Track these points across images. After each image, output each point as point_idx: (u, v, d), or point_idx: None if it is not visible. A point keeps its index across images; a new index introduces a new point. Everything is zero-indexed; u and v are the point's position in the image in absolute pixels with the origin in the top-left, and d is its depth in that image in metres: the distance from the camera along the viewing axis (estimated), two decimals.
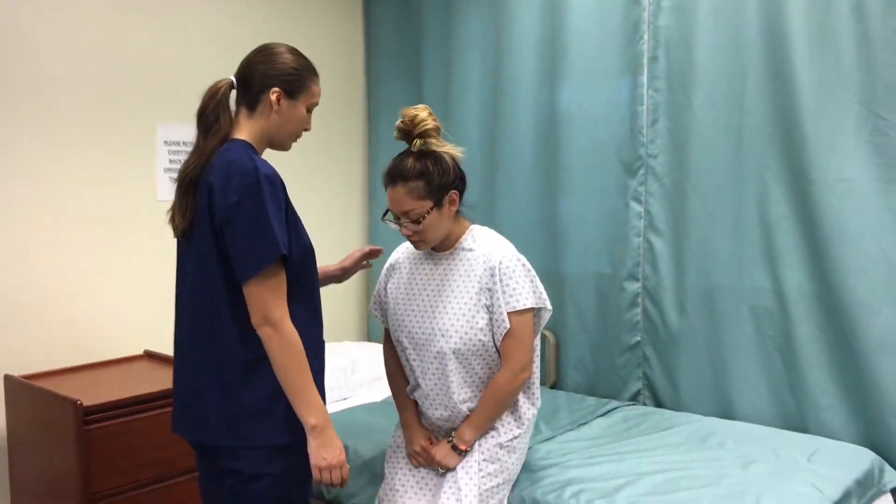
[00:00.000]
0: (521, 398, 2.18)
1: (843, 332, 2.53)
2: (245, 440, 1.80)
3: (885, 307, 2.44)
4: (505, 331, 2.06)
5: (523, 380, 2.11)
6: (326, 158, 3.65)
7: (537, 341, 2.18)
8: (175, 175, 3.01)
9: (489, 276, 2.08)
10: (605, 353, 3.11)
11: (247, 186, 1.72)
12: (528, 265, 2.12)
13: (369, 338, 3.91)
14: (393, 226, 2.12)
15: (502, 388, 2.09)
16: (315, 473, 1.82)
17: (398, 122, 2.11)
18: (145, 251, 3.02)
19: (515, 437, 2.15)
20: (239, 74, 1.90)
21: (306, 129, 1.96)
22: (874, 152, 2.46)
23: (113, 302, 2.94)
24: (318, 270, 2.04)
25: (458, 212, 2.15)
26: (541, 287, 2.12)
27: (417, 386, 2.20)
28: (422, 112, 2.10)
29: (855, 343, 2.50)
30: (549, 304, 2.13)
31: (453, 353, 2.08)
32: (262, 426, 1.80)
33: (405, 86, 3.74)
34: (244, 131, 1.88)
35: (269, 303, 1.73)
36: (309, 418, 1.76)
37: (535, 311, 2.12)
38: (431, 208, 2.05)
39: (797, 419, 2.66)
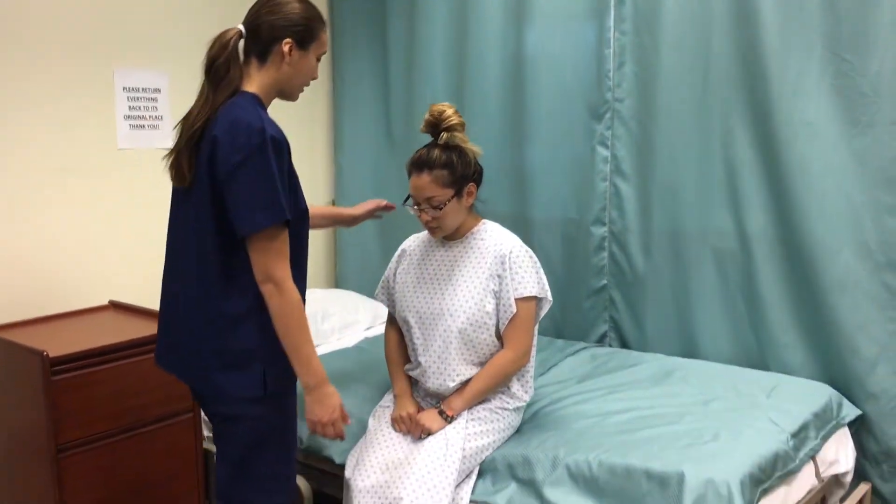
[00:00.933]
0: (516, 384, 2.28)
1: (803, 273, 2.59)
2: (221, 390, 1.84)
3: (845, 248, 2.49)
4: (511, 315, 2.20)
5: (522, 365, 2.25)
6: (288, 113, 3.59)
7: (535, 336, 2.31)
8: (136, 122, 2.99)
9: (499, 263, 2.23)
10: (573, 297, 3.15)
11: (253, 147, 1.73)
12: (535, 257, 2.29)
13: (337, 285, 3.91)
14: (413, 211, 2.28)
15: (501, 367, 2.22)
16: (310, 427, 1.90)
17: (426, 116, 2.25)
18: (107, 200, 2.97)
19: (506, 409, 2.26)
20: (247, 24, 1.87)
21: (314, 79, 1.97)
22: (837, 95, 2.48)
23: (76, 252, 2.90)
24: (330, 213, 2.30)
25: (472, 205, 2.31)
26: (545, 279, 2.28)
27: (418, 364, 2.29)
28: (448, 109, 2.23)
29: (815, 283, 2.55)
30: (550, 296, 2.27)
31: (459, 332, 2.21)
32: (238, 379, 1.83)
33: (369, 32, 3.67)
34: (254, 83, 1.88)
35: (271, 262, 1.77)
36: (304, 377, 1.83)
37: (538, 301, 2.25)
38: (452, 197, 2.22)
39: (758, 357, 2.73)
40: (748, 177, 2.68)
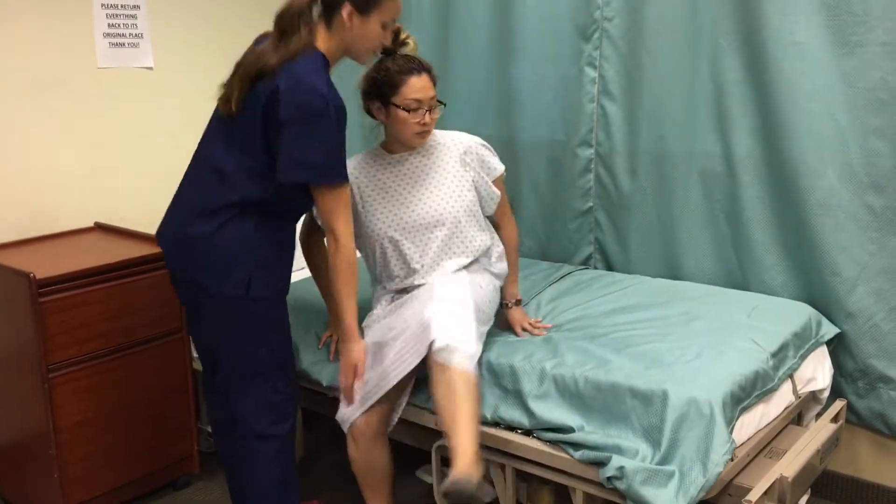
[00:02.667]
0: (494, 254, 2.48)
1: (787, 194, 2.60)
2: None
3: (829, 170, 2.50)
4: (496, 197, 2.43)
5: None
6: None
7: None
8: (115, 40, 2.92)
9: (465, 156, 2.37)
10: (558, 219, 3.16)
11: (314, 109, 1.90)
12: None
13: None
14: (414, 117, 2.26)
15: (517, 242, 2.56)
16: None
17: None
18: (88, 120, 2.92)
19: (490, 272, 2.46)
20: None
21: (384, 44, 2.12)
22: (828, 14, 2.44)
23: (59, 173, 2.86)
24: None
25: None
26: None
27: (410, 273, 2.33)
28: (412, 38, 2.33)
29: (798, 204, 2.57)
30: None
31: (455, 230, 2.33)
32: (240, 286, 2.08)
33: None
34: (322, 44, 2.01)
35: (333, 214, 2.02)
36: (337, 328, 2.32)
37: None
38: None
39: (741, 279, 2.77)
40: (736, 98, 2.66)
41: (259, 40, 2.11)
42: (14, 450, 2.56)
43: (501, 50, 3.15)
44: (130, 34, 3.00)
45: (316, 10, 2.00)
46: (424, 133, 2.31)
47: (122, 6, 2.95)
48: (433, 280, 2.30)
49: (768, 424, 2.21)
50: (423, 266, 2.32)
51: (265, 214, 2.07)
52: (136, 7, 3.00)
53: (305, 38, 1.96)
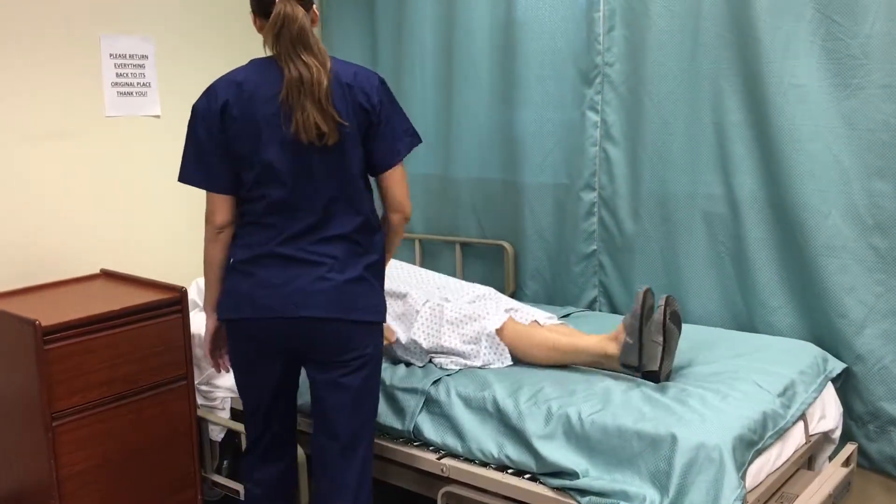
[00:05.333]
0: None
1: (792, 236, 2.60)
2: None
3: (834, 211, 2.50)
4: None
5: None
6: None
7: None
8: (124, 89, 2.97)
9: None
10: (562, 263, 3.16)
11: (385, 87, 2.07)
12: None
13: None
14: None
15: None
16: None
17: None
18: (96, 168, 2.95)
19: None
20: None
21: None
22: (827, 58, 2.47)
23: (66, 221, 2.89)
24: None
25: None
26: None
27: None
28: None
29: (804, 246, 2.57)
30: None
31: None
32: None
33: None
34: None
35: (406, 191, 2.14)
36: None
37: None
38: None
39: (747, 321, 2.75)
40: (738, 140, 2.68)
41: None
42: (17, 499, 2.53)
43: (504, 95, 3.19)
44: (138, 83, 3.04)
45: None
46: None
47: (130, 56, 3.00)
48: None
49: (781, 467, 2.18)
50: None
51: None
52: (145, 57, 3.05)
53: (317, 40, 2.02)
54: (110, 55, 2.95)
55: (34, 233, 2.81)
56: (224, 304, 2.09)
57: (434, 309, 2.60)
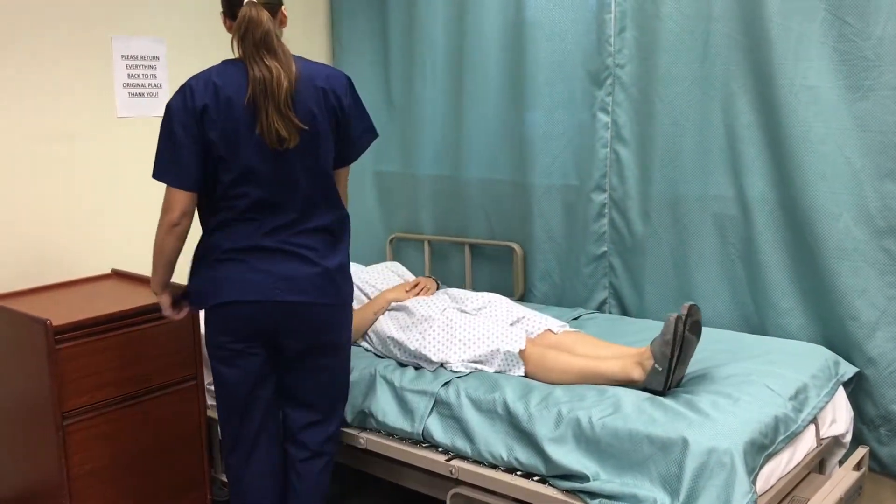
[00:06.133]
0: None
1: (803, 238, 2.59)
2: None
3: (845, 213, 2.49)
4: None
5: None
6: None
7: None
8: (135, 91, 2.98)
9: None
10: (572, 264, 3.15)
11: (352, 86, 2.19)
12: None
13: None
14: None
15: None
16: None
17: None
18: (107, 169, 2.96)
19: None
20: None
21: None
22: (839, 59, 2.46)
23: (77, 221, 2.90)
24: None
25: None
26: None
27: None
28: None
29: (815, 248, 2.56)
30: None
31: None
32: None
33: None
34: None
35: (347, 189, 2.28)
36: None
37: None
38: None
39: (757, 323, 2.74)
40: (749, 142, 2.67)
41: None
42: (27, 498, 2.54)
43: (514, 96, 3.19)
44: (150, 84, 3.05)
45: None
46: None
47: (141, 57, 3.01)
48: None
49: (791, 471, 2.17)
50: None
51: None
52: (156, 58, 3.06)
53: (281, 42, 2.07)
54: (122, 56, 2.96)
55: (46, 232, 2.82)
56: (211, 290, 2.15)
57: (448, 323, 2.58)
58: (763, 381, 2.24)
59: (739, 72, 2.66)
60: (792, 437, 2.14)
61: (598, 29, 2.94)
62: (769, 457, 2.04)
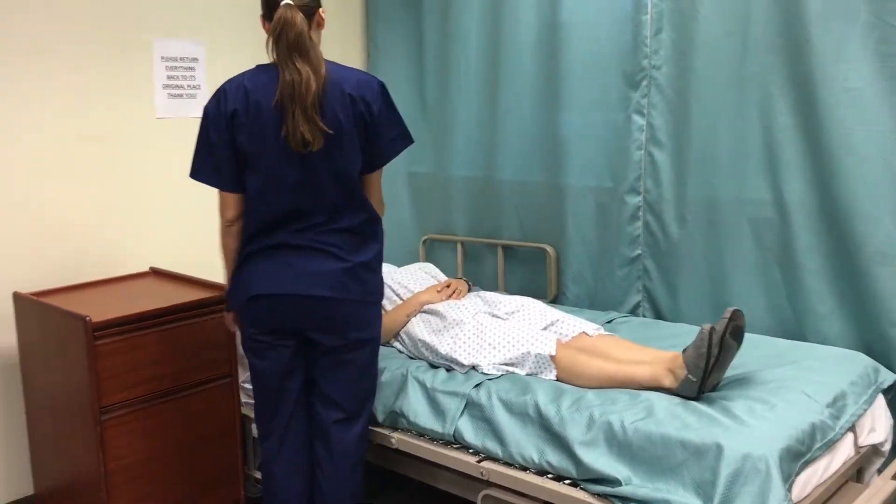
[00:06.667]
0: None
1: (842, 242, 2.55)
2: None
3: (886, 217, 2.45)
4: None
5: None
6: None
7: None
8: (174, 92, 3.02)
9: None
10: (605, 267, 3.14)
11: (384, 92, 2.18)
12: None
13: None
14: None
15: None
16: None
17: None
18: (146, 169, 3.01)
19: None
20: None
21: None
22: (881, 61, 2.42)
23: (117, 219, 2.95)
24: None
25: None
26: None
27: None
28: None
29: (854, 253, 2.52)
30: None
31: None
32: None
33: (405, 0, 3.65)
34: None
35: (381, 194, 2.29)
36: None
37: None
38: None
39: (795, 328, 2.70)
40: (787, 144, 2.64)
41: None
42: (66, 491, 2.59)
43: (549, 97, 3.18)
44: (189, 85, 3.10)
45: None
46: None
47: (181, 59, 3.05)
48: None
49: (829, 479, 2.13)
50: None
51: None
52: (195, 59, 3.10)
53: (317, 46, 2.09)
54: (162, 58, 3.01)
55: (87, 231, 2.87)
56: (242, 289, 2.20)
57: (478, 327, 2.58)
58: (800, 388, 2.21)
59: (778, 73, 2.62)
60: (829, 445, 2.11)
61: (634, 30, 2.92)
62: (806, 464, 2.01)
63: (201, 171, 2.16)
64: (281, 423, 2.29)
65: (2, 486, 2.74)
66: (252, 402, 2.76)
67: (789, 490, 1.91)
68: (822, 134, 2.53)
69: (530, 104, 3.23)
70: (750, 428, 2.00)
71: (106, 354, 2.36)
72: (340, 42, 3.70)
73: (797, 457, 1.98)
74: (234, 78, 2.11)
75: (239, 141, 2.08)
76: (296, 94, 2.00)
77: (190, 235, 3.14)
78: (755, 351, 2.52)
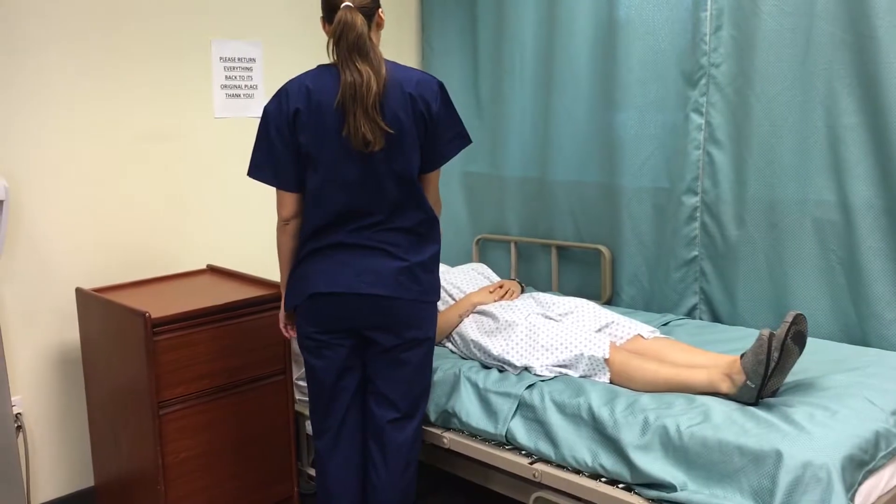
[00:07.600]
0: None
1: None
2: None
3: None
4: None
5: None
6: None
7: None
8: (232, 92, 3.07)
9: None
10: (662, 268, 3.09)
11: (442, 86, 2.18)
12: None
13: None
14: None
15: None
16: None
17: None
18: (204, 168, 3.06)
19: None
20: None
21: None
22: None
23: (175, 217, 3.01)
24: None
25: None
26: None
27: None
28: None
29: None
30: None
31: None
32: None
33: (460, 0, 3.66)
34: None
35: (438, 194, 2.29)
36: None
37: None
38: None
39: (859, 333, 2.62)
40: (852, 144, 2.56)
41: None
42: (124, 484, 2.65)
43: (605, 97, 3.14)
44: (246, 86, 3.14)
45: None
46: None
47: (238, 59, 3.10)
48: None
49: (892, 490, 2.06)
50: None
51: None
52: (252, 60, 3.15)
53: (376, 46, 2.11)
54: (220, 59, 3.06)
55: (146, 229, 2.94)
56: (299, 288, 2.21)
57: (531, 328, 2.56)
58: (863, 394, 2.14)
59: (843, 71, 2.55)
60: (894, 454, 2.04)
61: (692, 27, 2.87)
62: (869, 473, 1.94)
63: (259, 169, 2.18)
64: (335, 421, 2.30)
65: (64, 478, 2.81)
66: (306, 399, 2.79)
67: (851, 500, 1.85)
68: (889, 133, 2.45)
69: (586, 104, 3.20)
70: (810, 435, 1.94)
71: (164, 350, 2.41)
72: (395, 43, 3.71)
73: (860, 465, 1.91)
74: (295, 78, 2.13)
75: (300, 140, 2.09)
76: (357, 95, 2.02)
77: (246, 234, 3.19)
78: (816, 356, 2.45)
